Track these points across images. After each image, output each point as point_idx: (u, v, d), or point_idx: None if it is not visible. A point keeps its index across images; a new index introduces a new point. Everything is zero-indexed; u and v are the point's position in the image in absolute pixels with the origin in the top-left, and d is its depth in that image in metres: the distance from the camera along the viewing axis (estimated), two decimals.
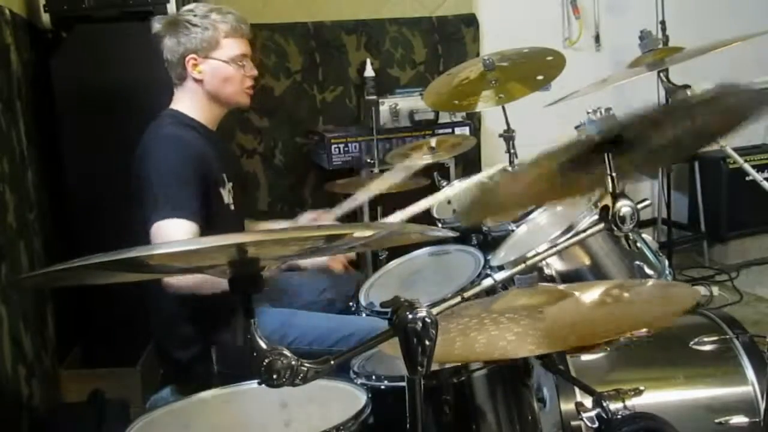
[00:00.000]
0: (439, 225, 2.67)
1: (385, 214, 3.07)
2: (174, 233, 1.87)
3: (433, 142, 3.11)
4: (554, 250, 1.44)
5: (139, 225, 1.94)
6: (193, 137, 2.05)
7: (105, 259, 0.85)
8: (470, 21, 4.20)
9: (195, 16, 2.06)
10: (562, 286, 1.44)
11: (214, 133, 2.15)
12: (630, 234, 1.59)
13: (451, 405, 1.56)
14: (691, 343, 1.68)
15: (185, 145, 2.01)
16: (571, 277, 1.85)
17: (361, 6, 4.05)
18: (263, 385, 1.00)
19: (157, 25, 2.08)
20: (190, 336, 2.08)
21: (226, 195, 2.08)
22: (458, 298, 1.21)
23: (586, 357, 1.68)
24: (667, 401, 1.61)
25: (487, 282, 1.30)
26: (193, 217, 1.91)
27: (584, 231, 1.41)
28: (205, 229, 1.92)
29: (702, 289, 3.67)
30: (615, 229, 1.29)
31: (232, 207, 2.10)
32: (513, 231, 2.12)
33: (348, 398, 1.49)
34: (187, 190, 1.93)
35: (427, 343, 1.00)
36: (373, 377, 1.61)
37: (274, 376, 0.98)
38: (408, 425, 1.09)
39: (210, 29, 2.05)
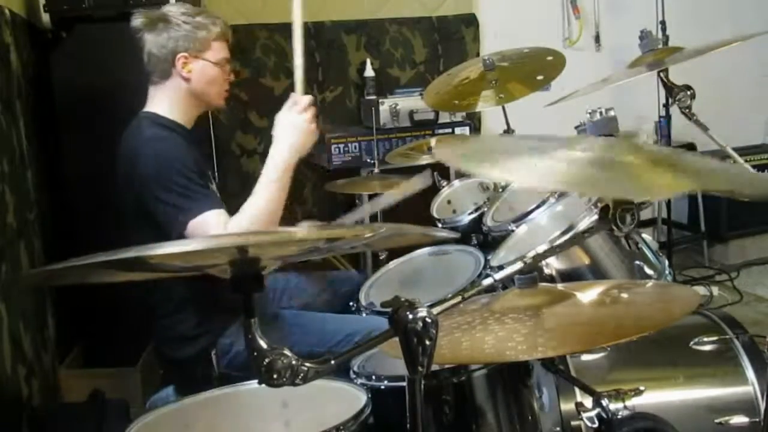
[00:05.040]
0: (439, 225, 2.67)
1: (385, 215, 3.07)
2: (212, 226, 1.88)
3: (433, 142, 3.12)
4: (554, 250, 1.44)
5: (141, 224, 1.95)
6: (176, 139, 2.04)
7: (106, 259, 0.84)
8: (470, 21, 4.19)
9: (184, 14, 2.06)
10: (561, 286, 1.44)
11: (192, 133, 2.14)
12: (630, 234, 1.59)
13: (451, 405, 1.56)
14: (691, 343, 1.68)
15: (177, 145, 2.01)
16: (571, 276, 1.85)
17: (361, 6, 4.05)
18: (263, 385, 1.00)
19: (140, 19, 2.05)
20: (190, 336, 2.08)
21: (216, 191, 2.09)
22: (458, 298, 1.20)
23: (586, 357, 1.68)
24: (667, 401, 1.62)
25: (487, 282, 1.30)
26: (220, 204, 1.94)
27: (584, 231, 1.41)
28: None
29: (702, 289, 3.67)
30: (615, 229, 1.29)
31: None
32: (513, 231, 2.11)
33: (348, 398, 1.49)
34: (200, 183, 1.95)
35: (427, 343, 1.00)
36: (373, 377, 1.61)
37: (275, 376, 0.98)
38: (408, 425, 1.09)
39: (202, 30, 2.06)
